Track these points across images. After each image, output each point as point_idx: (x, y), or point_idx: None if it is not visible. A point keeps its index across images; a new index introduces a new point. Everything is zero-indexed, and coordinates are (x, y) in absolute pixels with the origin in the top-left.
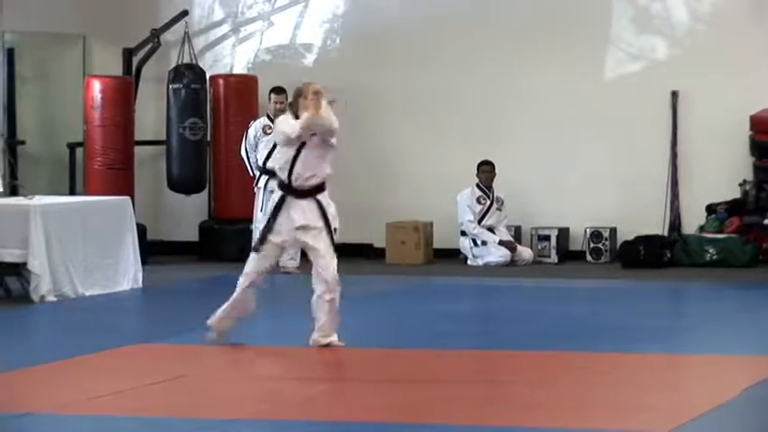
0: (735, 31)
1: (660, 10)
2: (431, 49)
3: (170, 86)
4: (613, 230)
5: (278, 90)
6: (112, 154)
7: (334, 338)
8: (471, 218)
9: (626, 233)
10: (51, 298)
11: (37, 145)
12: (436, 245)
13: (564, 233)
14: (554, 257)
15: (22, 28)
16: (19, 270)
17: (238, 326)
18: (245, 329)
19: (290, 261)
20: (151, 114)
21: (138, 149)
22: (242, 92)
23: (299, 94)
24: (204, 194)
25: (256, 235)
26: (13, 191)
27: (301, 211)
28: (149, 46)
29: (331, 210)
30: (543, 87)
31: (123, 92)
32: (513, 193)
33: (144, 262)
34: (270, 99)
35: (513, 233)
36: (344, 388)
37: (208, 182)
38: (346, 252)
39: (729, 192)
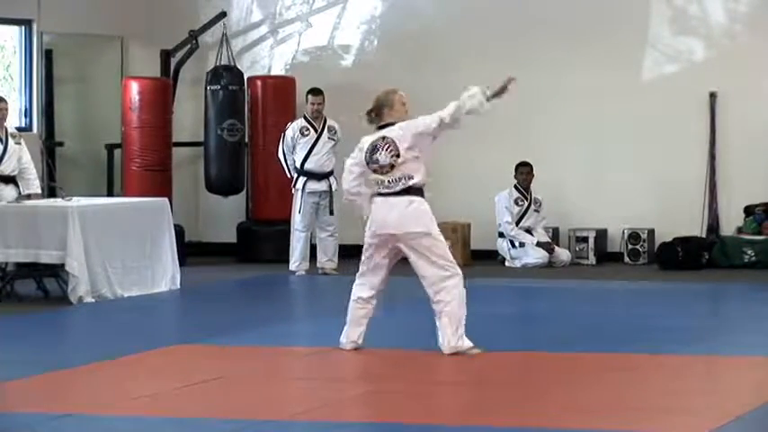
0: None
1: (698, 11)
2: (468, 50)
3: (208, 88)
4: (651, 232)
5: (315, 91)
6: (150, 155)
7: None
8: (509, 219)
9: (664, 234)
10: (89, 299)
11: (75, 146)
12: (474, 246)
13: (602, 235)
14: (592, 259)
15: (60, 29)
16: (57, 271)
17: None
18: (285, 330)
19: (328, 262)
20: (189, 116)
21: (175, 151)
22: (280, 93)
23: (383, 104)
24: (242, 196)
25: (294, 236)
26: (51, 192)
27: None
28: (187, 47)
29: None
30: (581, 88)
31: (161, 93)
32: (551, 194)
33: (182, 263)
34: (307, 100)
35: (550, 235)
36: (382, 390)
37: (245, 183)
38: None
39: (767, 193)
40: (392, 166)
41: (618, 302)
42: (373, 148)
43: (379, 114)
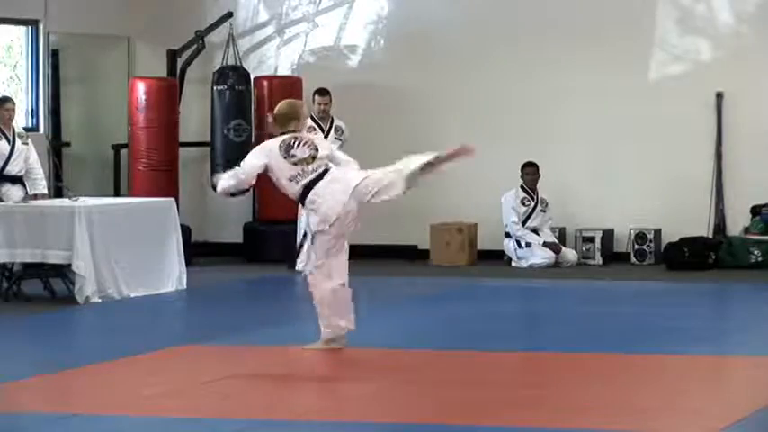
0: None
1: (705, 11)
2: (475, 50)
3: (214, 88)
4: (658, 232)
5: (322, 91)
6: (157, 155)
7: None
8: (515, 219)
9: (670, 235)
10: (96, 299)
11: (81, 146)
12: (480, 246)
13: (608, 235)
14: (598, 259)
15: (66, 30)
16: (63, 271)
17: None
18: (292, 329)
19: None
20: (195, 116)
21: (182, 151)
22: (286, 93)
23: (294, 116)
24: (248, 196)
25: (301, 236)
26: (57, 192)
27: None
28: (194, 47)
29: None
30: (588, 89)
31: (168, 93)
32: (558, 194)
33: (188, 263)
34: (314, 100)
35: (557, 235)
36: (390, 389)
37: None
38: (390, 254)
39: None
40: (313, 158)
41: (624, 303)
42: (288, 145)
43: (286, 124)
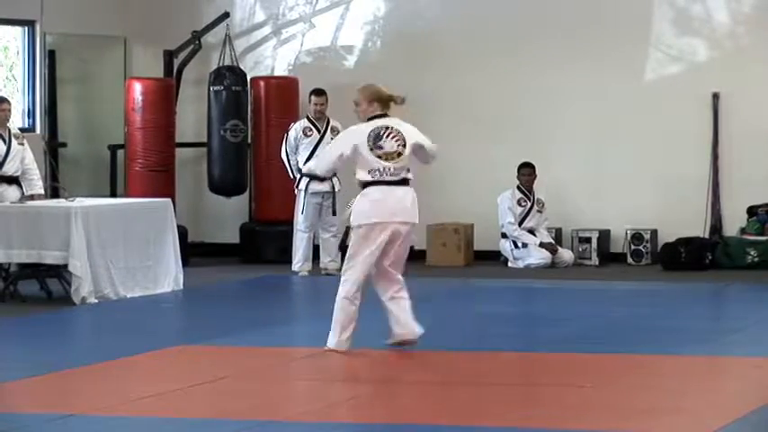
0: None
1: (701, 12)
2: (471, 51)
3: (211, 88)
4: (654, 232)
5: (318, 92)
6: (153, 156)
7: None
8: (512, 220)
9: (667, 235)
10: (92, 300)
11: (78, 147)
12: (477, 247)
13: (604, 235)
14: (595, 259)
15: (63, 30)
16: (60, 272)
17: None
18: (288, 330)
19: (331, 263)
20: (192, 116)
21: (178, 151)
22: (283, 94)
23: (389, 99)
24: (245, 196)
25: (297, 237)
26: (54, 193)
27: None
28: (190, 48)
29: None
30: (584, 89)
31: (164, 94)
32: (554, 194)
33: (185, 264)
34: (310, 101)
35: (553, 235)
36: (385, 390)
37: (248, 184)
38: None
39: None
40: (399, 155)
41: (621, 303)
42: (377, 135)
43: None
